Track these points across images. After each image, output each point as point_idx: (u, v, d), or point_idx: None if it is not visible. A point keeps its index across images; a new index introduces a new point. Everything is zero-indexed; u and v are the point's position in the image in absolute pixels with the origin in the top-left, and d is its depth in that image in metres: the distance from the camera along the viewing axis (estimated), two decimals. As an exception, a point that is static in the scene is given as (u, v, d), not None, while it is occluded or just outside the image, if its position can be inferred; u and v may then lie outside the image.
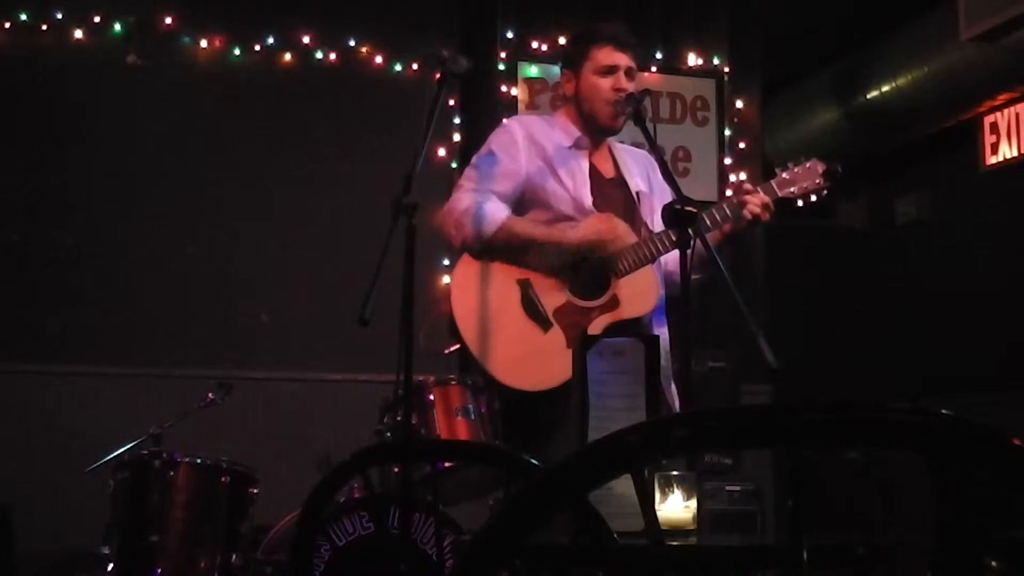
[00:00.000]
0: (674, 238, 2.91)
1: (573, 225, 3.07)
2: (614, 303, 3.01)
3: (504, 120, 3.29)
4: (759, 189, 3.04)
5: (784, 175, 3.07)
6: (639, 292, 3.01)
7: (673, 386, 3.12)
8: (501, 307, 3.07)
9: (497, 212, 3.07)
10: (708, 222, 2.98)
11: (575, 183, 3.12)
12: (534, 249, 3.05)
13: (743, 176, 6.08)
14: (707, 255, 2.67)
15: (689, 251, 2.54)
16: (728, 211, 3.00)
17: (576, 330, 3.00)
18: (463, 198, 3.11)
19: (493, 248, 3.08)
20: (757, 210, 2.97)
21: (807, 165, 3.07)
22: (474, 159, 3.20)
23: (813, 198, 3.08)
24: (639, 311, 2.99)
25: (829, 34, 6.59)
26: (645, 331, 3.03)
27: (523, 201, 3.13)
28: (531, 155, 3.13)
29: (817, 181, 3.06)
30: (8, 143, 5.32)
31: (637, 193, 3.19)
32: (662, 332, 3.10)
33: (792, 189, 3.06)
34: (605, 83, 3.12)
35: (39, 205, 5.33)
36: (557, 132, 3.20)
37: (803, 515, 1.00)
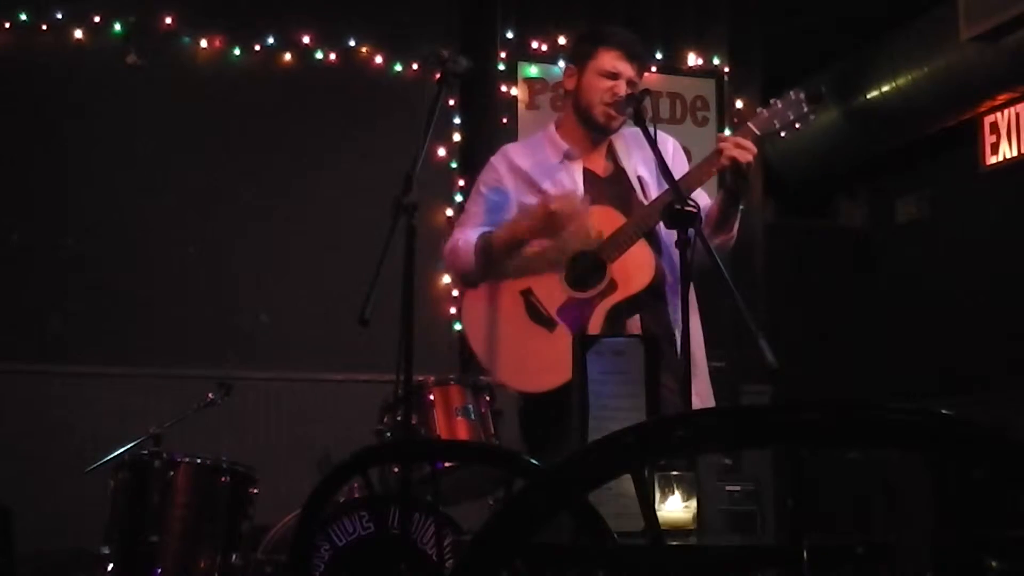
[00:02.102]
0: (656, 207, 2.94)
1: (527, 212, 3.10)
2: (612, 286, 3.01)
3: (490, 160, 3.32)
4: (736, 134, 3.02)
5: (764, 112, 3.06)
6: (635, 267, 3.01)
7: (705, 382, 3.13)
8: (508, 322, 3.09)
9: (470, 238, 3.13)
10: (693, 183, 2.97)
11: (563, 191, 3.12)
12: (512, 252, 3.08)
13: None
14: (707, 256, 2.66)
15: (689, 252, 2.54)
16: (708, 165, 2.99)
17: (581, 321, 3.00)
18: (451, 240, 3.22)
19: (484, 270, 3.12)
20: (733, 152, 2.92)
21: (790, 96, 3.04)
22: (466, 203, 3.32)
23: (798, 126, 3.05)
24: (638, 286, 2.99)
25: (829, 34, 6.59)
26: (652, 315, 3.03)
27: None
28: (516, 181, 3.19)
29: (803, 108, 3.02)
30: (8, 143, 5.32)
31: (639, 178, 3.17)
32: (676, 321, 3.05)
33: (775, 123, 3.03)
34: (604, 85, 3.12)
35: (39, 205, 5.33)
36: (543, 151, 3.22)
37: (803, 515, 1.00)
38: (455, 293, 5.19)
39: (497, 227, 3.14)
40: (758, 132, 3.01)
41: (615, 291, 3.00)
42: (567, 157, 3.18)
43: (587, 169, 3.18)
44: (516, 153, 3.25)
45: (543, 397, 3.01)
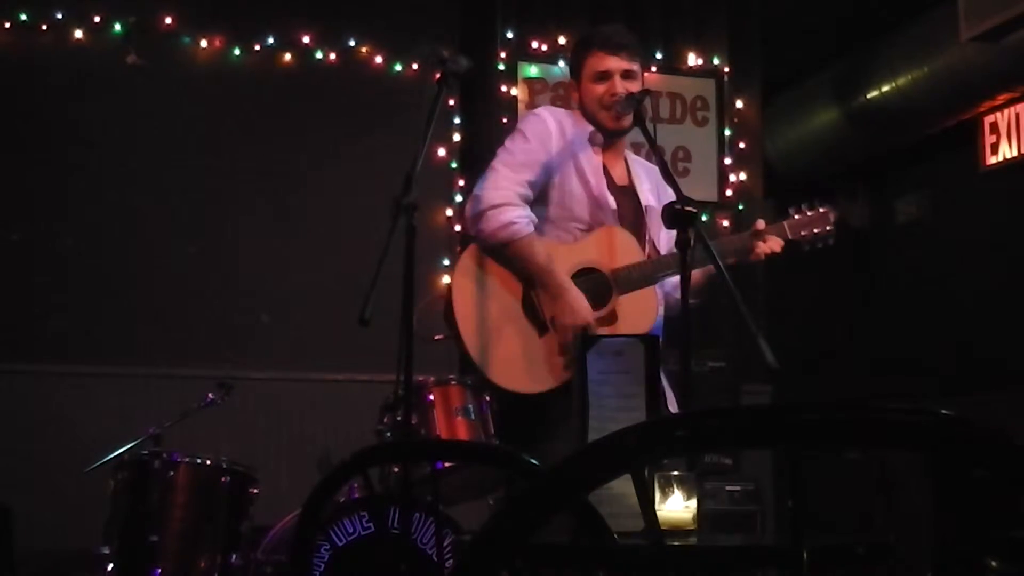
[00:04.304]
0: (677, 260, 2.92)
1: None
2: (612, 318, 3.01)
3: (534, 110, 3.25)
4: (772, 230, 3.11)
5: (796, 217, 3.14)
6: (639, 311, 3.02)
7: (669, 392, 3.12)
8: (501, 304, 3.04)
9: (520, 227, 3.01)
10: (716, 253, 2.96)
11: (597, 181, 3.11)
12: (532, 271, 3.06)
13: (743, 176, 6.08)
14: (707, 256, 2.66)
15: (689, 251, 2.54)
16: (740, 244, 3.09)
17: (572, 338, 2.99)
18: (500, 193, 3.03)
19: (501, 254, 3.05)
20: (767, 251, 3.07)
21: (820, 211, 3.14)
22: (507, 142, 3.13)
23: (819, 245, 3.16)
24: (636, 329, 2.98)
25: (829, 34, 6.59)
26: None
27: (545, 191, 3.10)
28: (561, 147, 3.11)
29: (828, 228, 3.15)
30: (8, 143, 5.32)
31: (646, 207, 3.18)
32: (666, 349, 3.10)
33: (803, 232, 3.14)
34: (600, 89, 3.12)
35: (39, 205, 5.33)
36: (578, 125, 3.18)
37: (803, 515, 1.00)
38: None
39: (538, 187, 3.07)
40: (790, 236, 3.13)
41: (613, 324, 3.01)
42: (592, 141, 3.17)
43: (607, 168, 3.17)
44: (565, 120, 3.16)
45: (525, 399, 3.01)
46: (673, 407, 3.02)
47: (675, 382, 3.09)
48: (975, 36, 5.32)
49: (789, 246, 3.13)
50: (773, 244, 3.08)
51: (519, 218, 3.01)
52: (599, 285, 3.03)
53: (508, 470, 1.73)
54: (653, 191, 3.23)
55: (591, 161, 3.13)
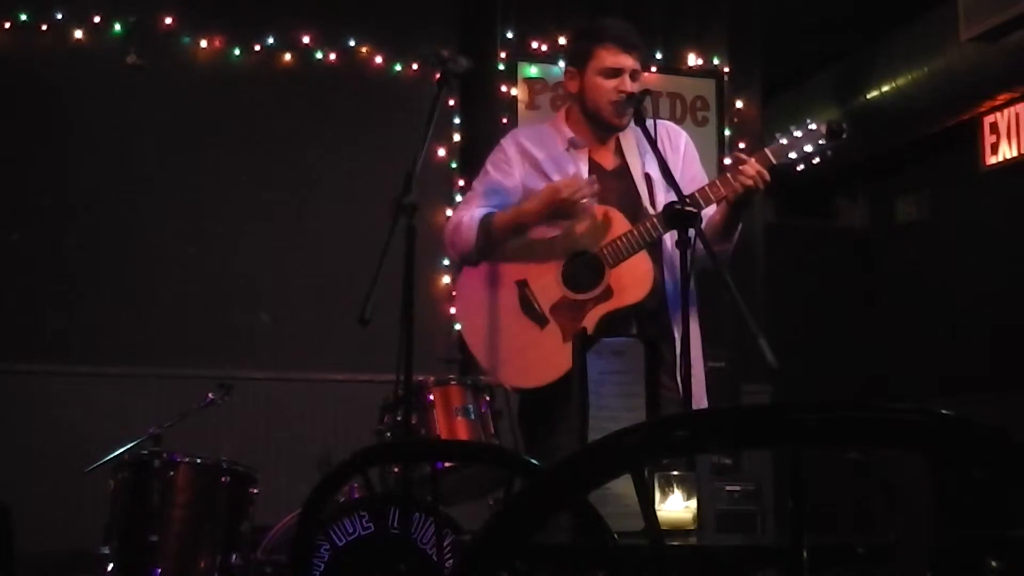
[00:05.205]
0: (661, 219, 2.92)
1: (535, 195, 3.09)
2: (608, 293, 3.00)
3: (500, 141, 3.30)
4: (753, 157, 2.97)
5: (782, 140, 3.00)
6: (632, 280, 3.00)
7: (701, 386, 3.07)
8: (500, 311, 3.07)
9: (475, 215, 3.10)
10: (703, 200, 2.96)
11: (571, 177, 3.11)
12: (514, 236, 3.08)
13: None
14: (706, 253, 2.66)
15: (690, 251, 2.53)
16: (721, 186, 2.96)
17: (573, 324, 2.98)
18: (454, 217, 3.19)
19: (484, 251, 3.09)
20: (749, 181, 2.90)
21: (810, 127, 3.00)
22: (473, 181, 3.27)
23: (816, 160, 2.98)
24: (632, 298, 2.98)
25: (829, 34, 6.59)
26: (651, 320, 3.02)
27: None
28: (524, 166, 3.16)
29: (820, 142, 2.98)
30: (8, 143, 5.32)
31: (647, 175, 3.14)
32: (677, 325, 3.03)
33: (792, 154, 2.98)
34: (609, 84, 3.09)
35: (39, 205, 5.32)
36: (550, 138, 3.20)
37: (803, 515, 1.00)
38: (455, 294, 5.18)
39: (502, 209, 3.13)
40: (774, 161, 2.97)
41: (610, 299, 2.99)
42: (572, 145, 3.16)
43: (593, 160, 3.17)
44: (527, 139, 3.22)
45: (536, 394, 3.01)
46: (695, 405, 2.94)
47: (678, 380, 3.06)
48: (975, 36, 5.32)
49: (779, 169, 2.97)
50: (748, 168, 2.90)
51: (473, 215, 3.10)
52: (590, 264, 3.02)
53: (508, 470, 1.73)
54: (654, 158, 3.07)
55: (564, 166, 3.13)
